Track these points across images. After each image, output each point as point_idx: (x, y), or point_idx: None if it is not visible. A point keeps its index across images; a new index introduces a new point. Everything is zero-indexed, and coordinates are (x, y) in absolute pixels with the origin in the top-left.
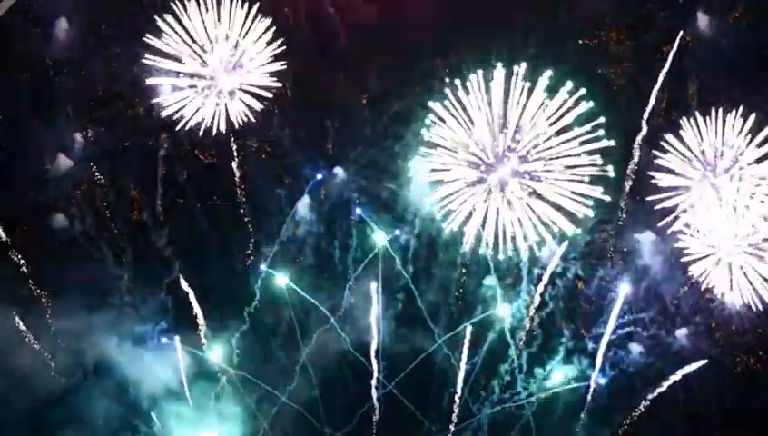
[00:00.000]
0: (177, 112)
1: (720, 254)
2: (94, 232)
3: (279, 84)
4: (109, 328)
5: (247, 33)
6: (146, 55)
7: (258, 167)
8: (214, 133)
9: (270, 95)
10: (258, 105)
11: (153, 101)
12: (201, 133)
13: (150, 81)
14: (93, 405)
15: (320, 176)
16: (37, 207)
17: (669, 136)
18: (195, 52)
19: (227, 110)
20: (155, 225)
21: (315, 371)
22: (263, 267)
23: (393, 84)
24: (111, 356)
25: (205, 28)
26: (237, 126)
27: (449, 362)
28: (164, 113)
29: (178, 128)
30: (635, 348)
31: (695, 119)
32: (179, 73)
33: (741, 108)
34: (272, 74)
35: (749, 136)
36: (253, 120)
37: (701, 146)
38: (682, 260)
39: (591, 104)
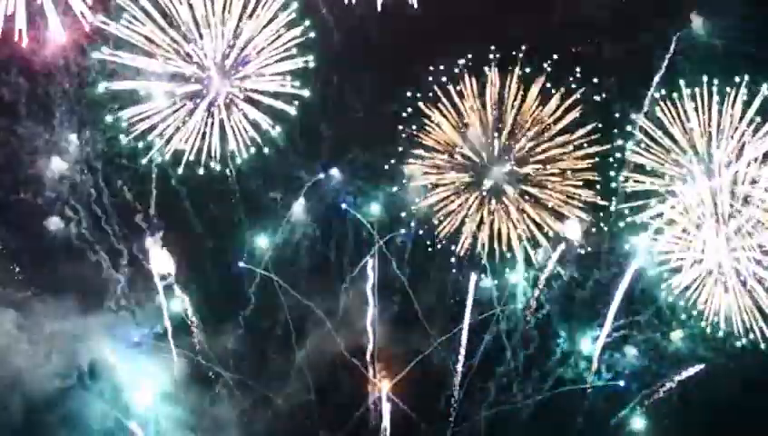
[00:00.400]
0: (148, 132)
1: (710, 265)
2: (90, 234)
3: (304, 92)
4: (104, 331)
5: (254, 10)
6: (102, 49)
7: (253, 169)
8: (202, 170)
9: (293, 111)
10: (275, 129)
11: (109, 118)
12: (181, 167)
13: (103, 87)
14: (87, 408)
15: (321, 175)
16: (33, 209)
17: (639, 117)
18: (175, 41)
19: (222, 131)
20: (151, 228)
21: (311, 374)
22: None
23: (389, 85)
24: (105, 359)
25: (190, 5)
26: (239, 159)
27: (446, 365)
28: (126, 138)
29: (144, 161)
30: (631, 351)
31: (680, 92)
32: (150, 74)
33: (746, 77)
34: (294, 75)
35: (755, 121)
36: (266, 149)
37: (688, 133)
38: (661, 268)
39: (605, 95)
